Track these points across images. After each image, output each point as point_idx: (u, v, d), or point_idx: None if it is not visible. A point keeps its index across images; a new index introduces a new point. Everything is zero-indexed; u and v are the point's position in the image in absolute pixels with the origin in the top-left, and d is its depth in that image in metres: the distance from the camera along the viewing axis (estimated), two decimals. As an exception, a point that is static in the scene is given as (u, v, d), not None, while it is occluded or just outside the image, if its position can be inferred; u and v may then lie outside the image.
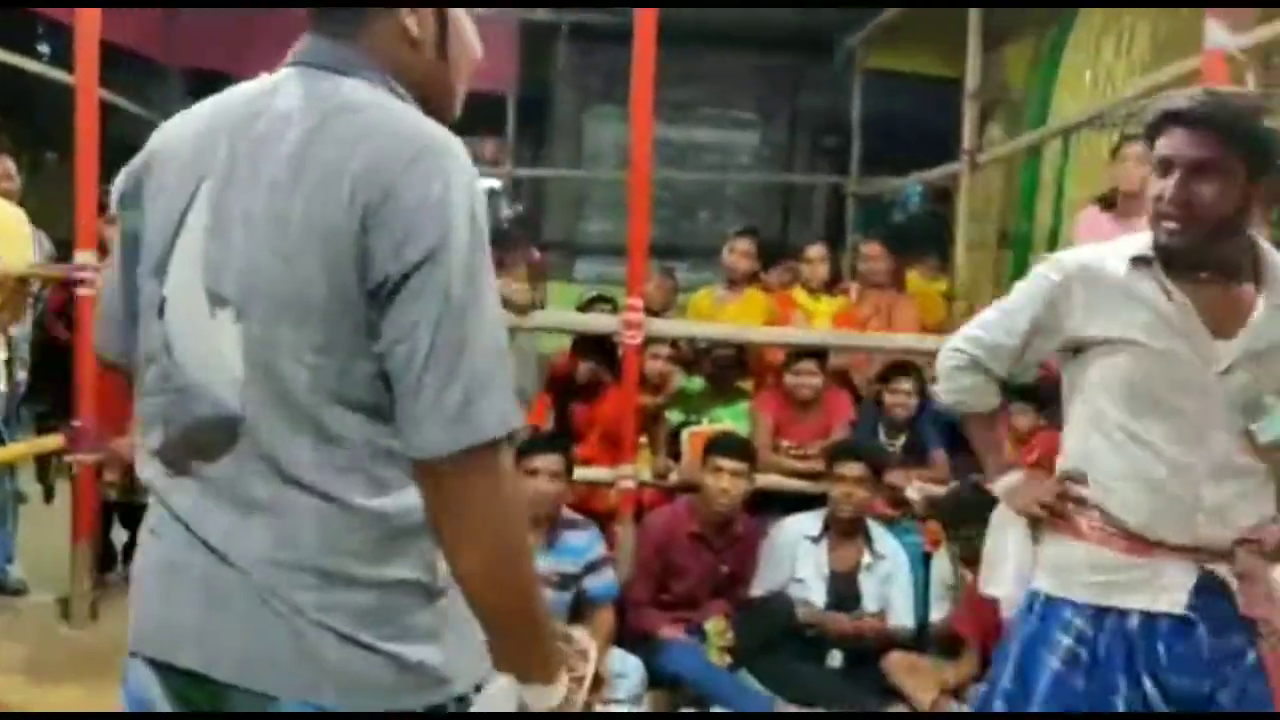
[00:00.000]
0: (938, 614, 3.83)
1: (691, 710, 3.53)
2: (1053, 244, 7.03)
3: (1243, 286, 1.85)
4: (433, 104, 1.27)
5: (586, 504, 4.30)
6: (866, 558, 3.80)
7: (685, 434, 4.51)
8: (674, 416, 4.64)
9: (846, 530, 3.81)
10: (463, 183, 1.12)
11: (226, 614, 1.15)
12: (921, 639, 3.78)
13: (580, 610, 3.57)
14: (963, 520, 3.62)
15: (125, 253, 1.25)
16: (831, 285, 5.34)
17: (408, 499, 1.14)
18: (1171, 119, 1.76)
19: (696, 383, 4.80)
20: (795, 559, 3.80)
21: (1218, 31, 4.08)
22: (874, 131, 8.45)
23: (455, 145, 1.16)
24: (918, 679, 3.54)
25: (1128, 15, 6.52)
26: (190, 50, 7.80)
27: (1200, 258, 1.82)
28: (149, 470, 1.23)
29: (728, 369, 4.74)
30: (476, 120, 10.48)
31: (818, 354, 4.42)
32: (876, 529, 3.90)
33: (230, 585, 1.14)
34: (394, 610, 1.16)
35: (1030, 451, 4.42)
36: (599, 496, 4.32)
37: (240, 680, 1.14)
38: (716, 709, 3.50)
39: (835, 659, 3.66)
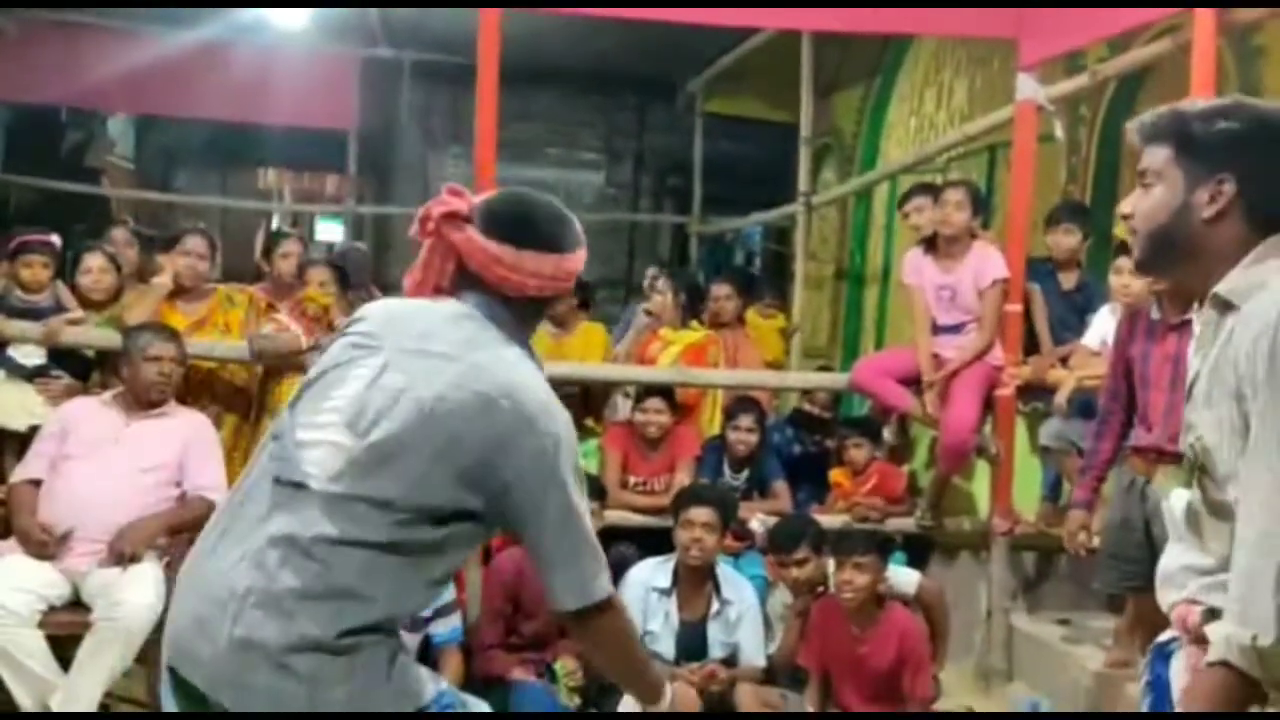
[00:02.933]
0: (775, 644, 3.88)
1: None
2: (885, 280, 7.35)
3: None
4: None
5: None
6: (715, 605, 3.76)
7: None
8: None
9: (695, 578, 3.75)
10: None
11: None
12: (767, 671, 3.84)
13: (427, 654, 3.50)
14: (793, 547, 3.71)
15: None
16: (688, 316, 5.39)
17: None
18: (1136, 138, 1.67)
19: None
20: (645, 612, 3.72)
21: (1028, 84, 4.37)
22: (715, 173, 8.67)
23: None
24: (767, 712, 3.59)
25: (947, 69, 6.91)
26: (13, 84, 7.45)
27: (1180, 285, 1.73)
28: None
29: (573, 408, 4.74)
30: (315, 156, 10.34)
31: (663, 391, 4.48)
32: (725, 572, 3.88)
33: None
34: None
35: (867, 480, 4.60)
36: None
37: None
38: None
39: (685, 694, 3.67)
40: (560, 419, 1.70)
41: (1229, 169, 1.53)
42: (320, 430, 1.66)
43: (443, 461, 1.61)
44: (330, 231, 10.56)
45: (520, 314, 1.77)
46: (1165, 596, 1.67)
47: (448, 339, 1.69)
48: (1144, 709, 1.73)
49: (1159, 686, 1.67)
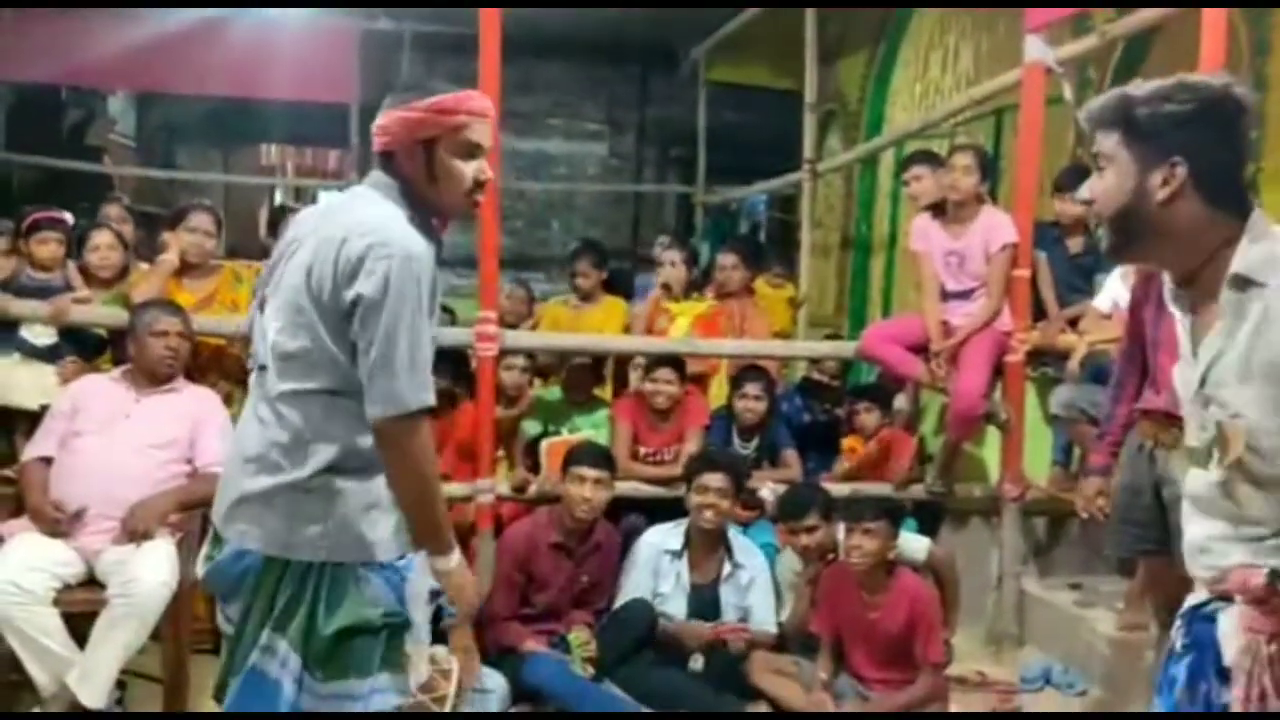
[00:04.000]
0: (785, 612, 3.90)
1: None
2: (891, 248, 7.32)
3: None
4: (434, 209, 2.05)
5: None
6: (727, 568, 3.84)
7: (543, 445, 4.49)
8: (532, 427, 4.62)
9: (707, 542, 3.84)
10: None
11: None
12: (779, 638, 3.85)
13: (438, 623, 3.52)
14: (802, 515, 3.71)
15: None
16: (695, 289, 5.40)
17: None
18: (1086, 124, 1.68)
19: (554, 392, 4.80)
20: (657, 574, 3.81)
21: (1036, 45, 4.32)
22: (719, 142, 8.62)
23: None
24: (779, 679, 3.61)
25: (952, 33, 6.84)
26: (12, 63, 7.41)
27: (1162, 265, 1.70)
28: None
29: (585, 378, 4.75)
30: (319, 131, 10.30)
31: (675, 361, 4.48)
32: (737, 538, 3.95)
33: None
34: None
35: (882, 444, 4.61)
36: (457, 511, 4.27)
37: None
38: None
39: (697, 663, 3.70)
40: (400, 245, 1.88)
41: (1179, 151, 1.55)
42: (265, 319, 2.01)
43: (321, 306, 1.90)
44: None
45: (401, 172, 2.00)
46: (1200, 566, 1.69)
47: (334, 209, 2.03)
48: (1179, 671, 1.73)
49: (1201, 647, 1.68)
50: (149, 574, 3.15)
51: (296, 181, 10.79)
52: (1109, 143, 1.62)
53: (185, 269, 4.18)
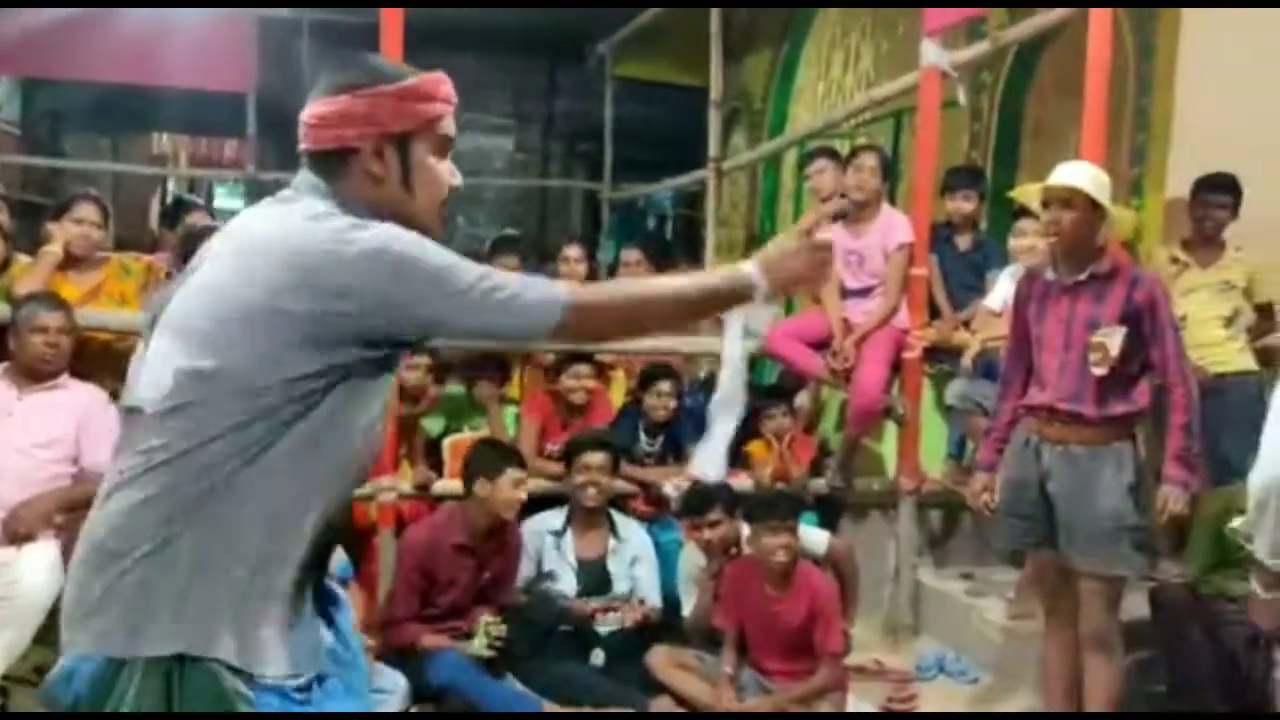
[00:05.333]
0: (689, 607, 3.94)
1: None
2: (794, 247, 7.43)
3: None
4: (404, 223, 1.51)
5: (346, 518, 4.18)
6: (612, 543, 3.97)
7: (446, 443, 4.45)
8: (434, 425, 4.57)
9: (590, 519, 3.96)
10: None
11: None
12: (682, 632, 3.89)
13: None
14: (706, 510, 3.75)
15: None
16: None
17: None
18: None
19: (457, 390, 4.75)
20: (541, 553, 3.91)
21: (932, 49, 4.42)
22: (626, 138, 8.63)
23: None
24: (681, 672, 3.64)
25: (853, 33, 6.97)
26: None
27: None
28: None
29: (491, 374, 4.71)
30: (214, 120, 10.00)
31: (589, 357, 4.47)
32: (619, 516, 4.06)
33: None
34: None
35: (784, 450, 4.65)
36: (358, 511, 4.20)
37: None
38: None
39: (598, 658, 3.72)
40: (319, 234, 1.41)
41: None
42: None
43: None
44: (228, 198, 10.27)
45: (354, 178, 1.54)
46: None
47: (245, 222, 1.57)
48: None
49: None
50: (31, 576, 3.05)
51: (190, 172, 10.47)
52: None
53: (70, 261, 4.02)
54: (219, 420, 1.37)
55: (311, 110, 1.54)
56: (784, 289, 1.62)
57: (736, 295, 1.59)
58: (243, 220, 1.57)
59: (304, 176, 1.56)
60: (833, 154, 4.88)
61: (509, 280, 1.47)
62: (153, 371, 1.43)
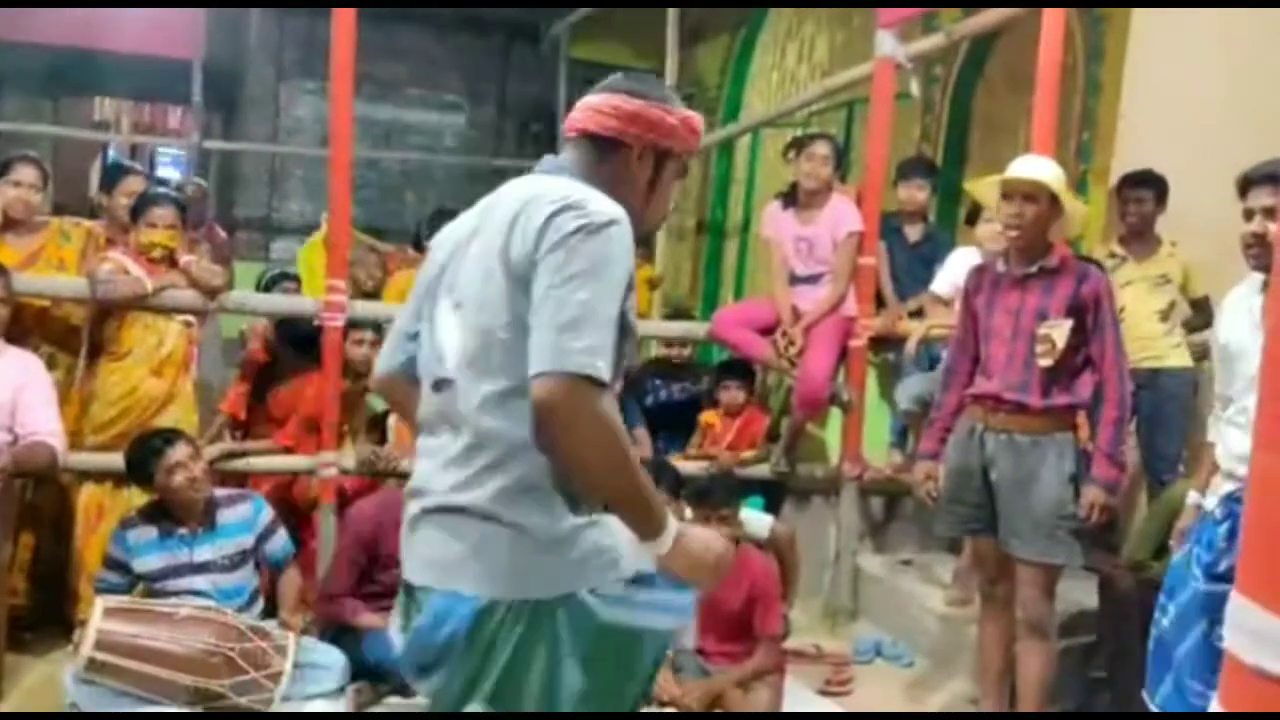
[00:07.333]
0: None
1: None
2: (745, 233, 7.46)
3: None
4: (630, 220, 1.64)
5: (288, 493, 4.14)
6: None
7: (392, 419, 4.41)
8: (381, 401, 4.52)
9: None
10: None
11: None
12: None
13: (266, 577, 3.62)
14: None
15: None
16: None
17: None
18: None
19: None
20: None
21: (887, 40, 4.46)
22: (579, 119, 8.57)
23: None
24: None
25: (809, 24, 6.99)
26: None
27: None
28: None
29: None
30: (159, 87, 9.78)
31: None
32: None
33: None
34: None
35: (734, 425, 4.69)
36: (300, 486, 4.16)
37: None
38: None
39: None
40: (598, 212, 1.58)
41: None
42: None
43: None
44: (172, 167, 10.06)
45: (614, 168, 1.76)
46: None
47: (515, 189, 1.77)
48: (1216, 533, 2.45)
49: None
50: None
51: (132, 138, 10.24)
52: None
53: (8, 225, 3.92)
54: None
55: (605, 100, 1.76)
56: (671, 567, 1.63)
57: (648, 530, 1.60)
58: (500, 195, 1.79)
59: (571, 155, 1.78)
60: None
61: (592, 340, 1.52)
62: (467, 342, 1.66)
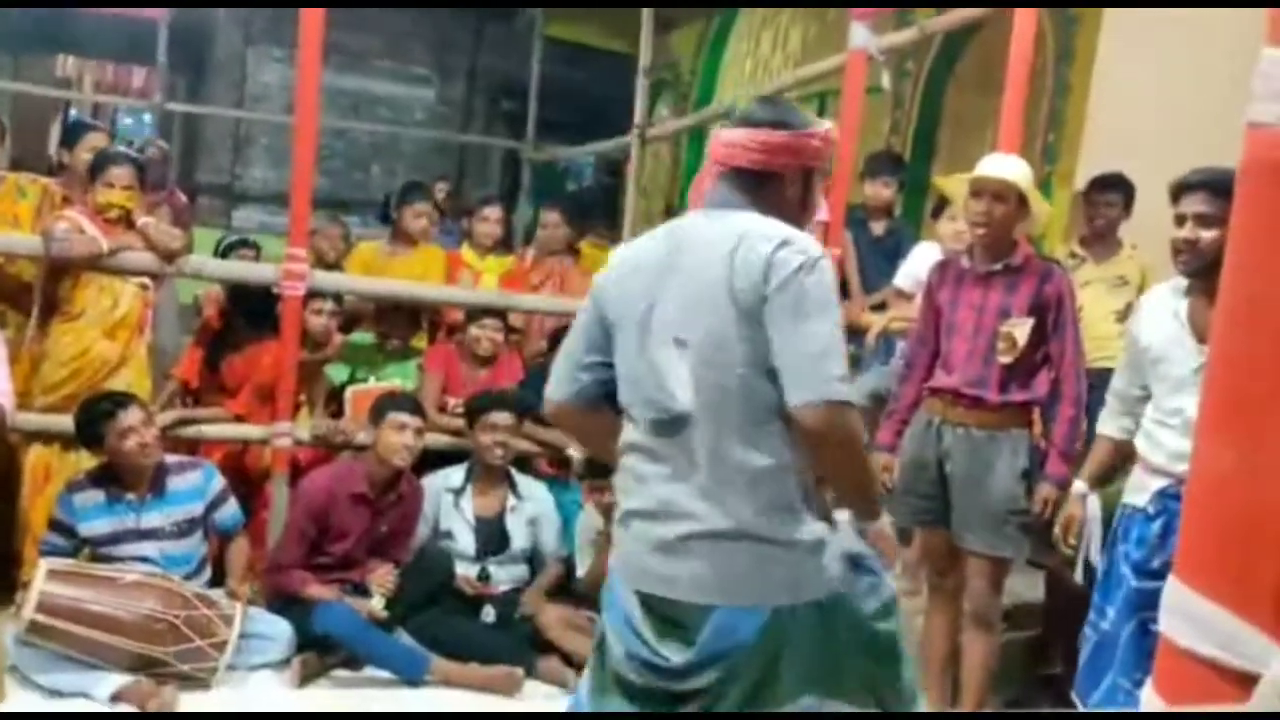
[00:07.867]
0: (584, 568, 3.95)
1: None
2: (712, 221, 7.46)
3: None
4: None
5: (240, 462, 4.09)
6: (511, 501, 3.95)
7: (349, 392, 4.37)
8: (338, 373, 4.48)
9: (491, 477, 3.93)
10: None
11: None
12: (575, 592, 3.90)
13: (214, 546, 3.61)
14: (608, 473, 3.75)
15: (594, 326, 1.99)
16: (503, 247, 5.36)
17: None
18: None
19: (366, 338, 4.66)
20: (441, 510, 3.87)
21: (861, 33, 4.46)
22: (551, 99, 8.55)
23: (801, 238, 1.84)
24: (572, 633, 3.65)
25: (783, 15, 7.00)
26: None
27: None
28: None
29: (402, 326, 4.63)
30: (123, 47, 9.65)
31: (498, 311, 4.43)
32: (520, 476, 4.04)
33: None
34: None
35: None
36: (253, 455, 4.12)
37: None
38: (371, 668, 3.46)
39: (489, 615, 3.71)
40: (808, 249, 1.80)
41: None
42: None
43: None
44: (134, 128, 9.89)
45: (774, 197, 1.92)
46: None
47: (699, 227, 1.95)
48: (1149, 529, 2.59)
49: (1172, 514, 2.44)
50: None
51: (95, 97, 10.05)
52: None
53: (-40, 179, 3.84)
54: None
55: (750, 136, 1.91)
56: (875, 543, 1.93)
57: (874, 511, 1.92)
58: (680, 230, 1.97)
59: (732, 194, 1.92)
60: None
61: (839, 367, 1.77)
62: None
